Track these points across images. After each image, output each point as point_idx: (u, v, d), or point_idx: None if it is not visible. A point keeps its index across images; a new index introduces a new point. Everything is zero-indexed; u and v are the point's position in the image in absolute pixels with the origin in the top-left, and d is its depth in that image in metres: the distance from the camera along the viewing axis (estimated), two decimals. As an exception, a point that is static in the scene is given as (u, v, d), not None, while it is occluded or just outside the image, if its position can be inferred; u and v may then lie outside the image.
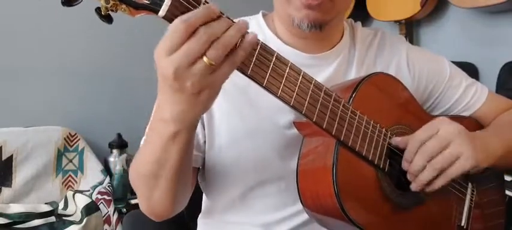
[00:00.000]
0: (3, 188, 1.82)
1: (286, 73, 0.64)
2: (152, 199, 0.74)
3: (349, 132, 0.72)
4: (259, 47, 0.61)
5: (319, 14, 0.78)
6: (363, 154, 0.74)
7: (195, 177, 0.86)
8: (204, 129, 0.83)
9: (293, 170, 0.76)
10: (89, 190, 1.88)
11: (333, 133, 0.70)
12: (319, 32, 0.80)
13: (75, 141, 2.00)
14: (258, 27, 0.89)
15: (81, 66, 2.11)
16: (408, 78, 0.92)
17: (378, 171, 0.76)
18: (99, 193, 1.82)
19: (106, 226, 1.75)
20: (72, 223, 1.69)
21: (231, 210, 0.88)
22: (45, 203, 1.85)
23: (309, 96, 0.67)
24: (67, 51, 2.08)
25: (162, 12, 0.55)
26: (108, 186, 1.90)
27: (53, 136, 1.94)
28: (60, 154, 1.95)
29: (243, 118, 0.82)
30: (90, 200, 1.77)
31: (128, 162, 2.03)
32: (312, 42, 0.86)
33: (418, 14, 2.00)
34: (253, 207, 0.86)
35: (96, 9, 0.54)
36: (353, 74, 0.88)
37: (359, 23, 0.96)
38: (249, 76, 0.61)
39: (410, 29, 2.12)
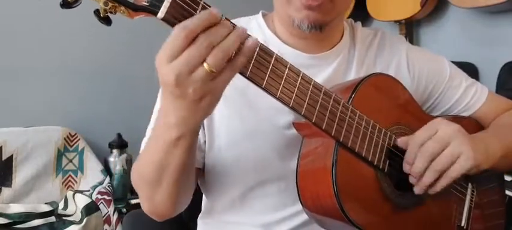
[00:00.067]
0: (3, 188, 1.82)
1: (285, 75, 0.64)
2: (155, 200, 0.75)
3: (349, 133, 0.72)
4: (258, 48, 0.61)
5: (319, 15, 0.78)
6: (363, 154, 0.74)
7: (197, 177, 0.86)
8: (204, 130, 0.83)
9: (293, 170, 0.76)
10: (89, 190, 1.88)
11: (332, 134, 0.70)
12: (319, 32, 0.80)
13: (75, 141, 2.00)
14: (258, 27, 0.89)
15: (81, 66, 2.11)
16: (408, 78, 0.92)
17: (377, 172, 0.76)
18: (99, 193, 1.82)
19: (106, 226, 1.75)
20: (72, 223, 1.69)
21: (230, 210, 0.88)
22: (45, 203, 1.85)
23: (308, 97, 0.67)
24: (67, 51, 2.08)
25: (161, 14, 0.55)
26: (108, 186, 1.90)
27: (53, 136, 1.94)
28: (60, 154, 1.95)
29: (243, 120, 0.82)
30: (90, 200, 1.77)
31: (128, 161, 2.03)
32: (312, 43, 0.86)
33: (418, 14, 2.00)
34: (253, 207, 0.86)
35: (94, 11, 0.54)
36: (353, 74, 0.88)
37: (359, 23, 0.96)
38: (248, 78, 0.61)
39: (410, 29, 2.12)
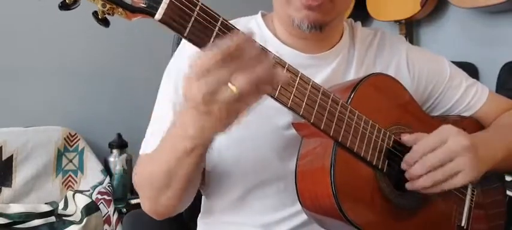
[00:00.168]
0: (3, 188, 1.82)
1: None
2: (159, 202, 0.77)
3: (348, 133, 0.72)
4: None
5: (319, 15, 0.78)
6: (361, 155, 0.74)
7: (202, 178, 0.87)
8: None
9: (292, 171, 0.76)
10: (89, 190, 1.87)
11: (331, 134, 0.70)
12: (319, 32, 0.80)
13: (75, 141, 2.00)
14: (257, 27, 0.89)
15: (81, 66, 2.11)
16: (408, 78, 0.92)
17: (376, 172, 0.76)
18: (99, 193, 1.82)
19: (106, 226, 1.75)
20: (72, 223, 1.69)
21: (230, 211, 0.88)
22: (45, 203, 1.84)
23: (306, 97, 0.67)
24: (67, 51, 2.08)
25: (159, 15, 0.55)
26: (108, 186, 1.90)
27: (53, 136, 1.94)
28: (60, 154, 1.95)
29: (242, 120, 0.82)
30: (90, 200, 1.77)
31: (128, 161, 2.03)
32: (311, 43, 0.86)
33: (418, 14, 2.00)
34: (252, 208, 0.86)
35: (93, 13, 0.55)
36: (352, 74, 0.88)
37: (359, 23, 0.96)
38: None
39: (410, 29, 2.12)
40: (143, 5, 0.55)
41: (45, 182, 1.90)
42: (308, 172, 0.75)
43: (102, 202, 1.77)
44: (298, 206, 0.78)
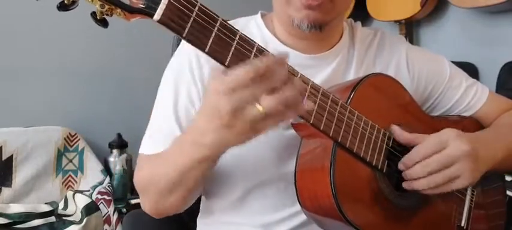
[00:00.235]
0: (3, 188, 1.82)
1: None
2: (162, 204, 0.77)
3: (347, 134, 0.71)
4: (255, 49, 0.61)
5: (319, 14, 0.78)
6: (361, 155, 0.74)
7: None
8: None
9: (292, 171, 0.76)
10: (89, 190, 1.87)
11: (331, 134, 0.70)
12: (319, 32, 0.80)
13: (75, 141, 2.00)
14: (256, 27, 0.89)
15: (81, 66, 2.11)
16: (407, 78, 0.91)
17: (376, 172, 0.76)
18: (99, 193, 1.82)
19: (106, 226, 1.75)
20: (72, 223, 1.69)
21: (230, 211, 0.88)
22: (45, 203, 1.84)
23: (306, 98, 0.67)
24: (67, 51, 2.08)
25: (157, 16, 0.55)
26: (108, 186, 1.90)
27: (53, 136, 1.94)
28: (60, 154, 1.95)
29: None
30: (90, 200, 1.77)
31: (128, 162, 2.03)
32: (311, 43, 0.86)
33: (418, 14, 2.00)
34: (252, 208, 0.86)
35: (91, 14, 0.55)
36: (352, 74, 0.88)
37: (359, 23, 0.96)
38: None
39: (410, 29, 2.12)
40: (142, 6, 0.55)
41: (45, 182, 1.90)
42: (307, 173, 0.75)
43: (102, 202, 1.77)
44: (298, 207, 0.78)
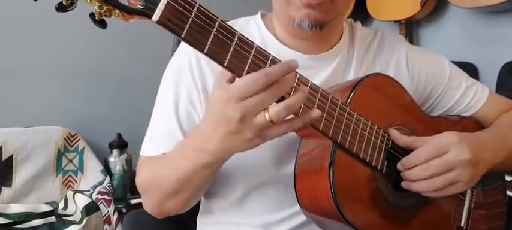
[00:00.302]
0: (3, 188, 1.81)
1: None
2: (165, 206, 0.78)
3: (346, 134, 0.71)
4: (253, 50, 0.61)
5: (319, 13, 0.78)
6: (360, 156, 0.73)
7: None
8: None
9: (291, 171, 0.76)
10: (89, 190, 1.87)
11: (330, 135, 0.70)
12: (319, 31, 0.80)
13: (75, 141, 2.00)
14: (256, 28, 0.89)
15: (81, 66, 2.11)
16: (407, 78, 0.91)
17: (375, 173, 0.76)
18: (99, 193, 1.82)
19: (106, 226, 1.75)
20: (72, 223, 1.69)
21: (230, 211, 0.88)
22: (45, 203, 1.84)
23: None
24: (67, 51, 2.07)
25: (156, 16, 0.55)
26: (108, 186, 1.90)
27: (53, 136, 1.94)
28: (60, 154, 1.95)
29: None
30: (90, 200, 1.77)
31: (128, 162, 2.03)
32: (311, 43, 0.86)
33: (418, 14, 2.00)
34: (252, 208, 0.86)
35: (90, 15, 0.55)
36: (352, 74, 0.88)
37: (358, 23, 0.96)
38: None
39: (410, 29, 2.12)
40: (140, 7, 0.55)
41: (45, 182, 1.90)
42: (307, 173, 0.75)
43: (102, 202, 1.77)
44: (298, 207, 0.78)
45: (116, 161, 2.02)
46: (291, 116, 0.64)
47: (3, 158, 1.83)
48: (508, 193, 0.99)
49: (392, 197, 0.77)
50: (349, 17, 0.98)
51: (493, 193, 0.94)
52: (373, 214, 0.75)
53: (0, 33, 1.95)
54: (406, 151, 0.77)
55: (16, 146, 1.85)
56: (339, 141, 0.71)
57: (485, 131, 0.89)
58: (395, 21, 2.09)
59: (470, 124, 0.93)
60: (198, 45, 0.58)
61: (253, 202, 0.86)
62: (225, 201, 0.88)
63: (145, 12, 0.55)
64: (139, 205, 0.84)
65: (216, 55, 0.59)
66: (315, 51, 0.86)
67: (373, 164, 0.75)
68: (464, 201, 0.88)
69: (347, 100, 0.74)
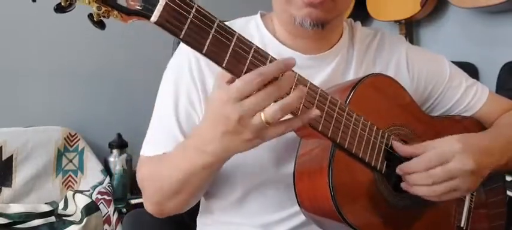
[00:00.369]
0: (3, 188, 1.81)
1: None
2: (166, 205, 0.78)
3: (345, 134, 0.71)
4: (252, 50, 0.61)
5: (321, 12, 0.78)
6: (360, 156, 0.73)
7: None
8: None
9: (291, 172, 0.76)
10: (89, 190, 1.87)
11: (329, 135, 0.69)
12: (320, 30, 0.80)
13: (75, 141, 2.00)
14: (256, 28, 0.89)
15: (81, 66, 2.11)
16: (407, 78, 0.91)
17: (375, 173, 0.76)
18: (99, 193, 1.82)
19: (106, 226, 1.75)
20: (72, 223, 1.69)
21: (229, 211, 0.88)
22: (45, 203, 1.84)
23: (304, 99, 0.67)
24: (67, 51, 2.07)
25: (154, 17, 0.55)
26: (108, 186, 1.90)
27: (53, 136, 1.94)
28: (60, 154, 1.95)
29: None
30: (90, 200, 1.77)
31: (128, 162, 2.03)
32: (311, 43, 0.86)
33: (418, 14, 2.00)
34: (251, 208, 0.86)
35: (88, 16, 0.55)
36: (351, 74, 0.88)
37: (358, 23, 0.96)
38: None
39: (410, 29, 2.12)
40: (139, 8, 0.55)
41: (45, 182, 1.90)
42: (306, 173, 0.75)
43: (102, 202, 1.77)
44: (297, 207, 0.78)
45: (116, 161, 2.02)
46: (290, 116, 0.64)
47: (3, 158, 1.83)
48: (508, 193, 0.99)
49: (392, 198, 0.77)
50: (349, 17, 0.98)
51: (494, 193, 0.94)
52: (372, 214, 0.75)
53: (0, 34, 1.95)
54: None
55: (16, 146, 1.85)
56: (338, 141, 0.70)
57: (487, 132, 0.89)
58: (395, 21, 2.09)
59: (471, 125, 0.93)
60: (197, 46, 0.58)
61: (253, 202, 0.86)
62: (225, 201, 0.88)
63: (144, 13, 0.55)
64: (139, 205, 0.85)
65: (214, 56, 0.59)
66: (314, 51, 0.86)
67: (372, 164, 0.75)
68: (464, 201, 0.88)
69: (347, 100, 0.74)
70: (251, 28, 0.89)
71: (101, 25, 0.56)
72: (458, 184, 0.73)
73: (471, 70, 1.89)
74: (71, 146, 1.99)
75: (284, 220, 0.85)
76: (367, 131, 0.74)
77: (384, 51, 0.93)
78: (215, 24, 0.58)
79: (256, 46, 0.62)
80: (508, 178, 1.05)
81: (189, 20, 0.57)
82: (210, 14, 0.58)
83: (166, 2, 0.55)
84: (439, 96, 0.94)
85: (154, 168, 0.80)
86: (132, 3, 0.55)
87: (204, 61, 0.82)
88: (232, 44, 0.59)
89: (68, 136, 1.98)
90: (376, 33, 0.95)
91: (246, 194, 0.86)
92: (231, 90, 0.58)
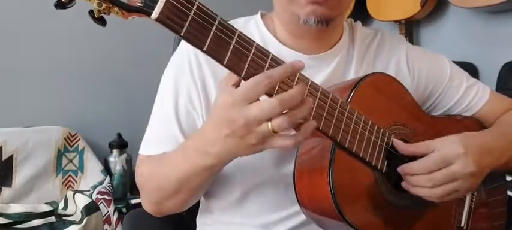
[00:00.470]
0: (3, 188, 1.81)
1: None
2: (164, 205, 0.78)
3: (346, 133, 0.71)
4: (253, 48, 0.61)
5: (325, 9, 0.78)
6: (360, 155, 0.73)
7: None
8: None
9: (291, 171, 0.76)
10: (89, 190, 1.87)
11: (329, 134, 0.69)
12: (324, 27, 0.80)
13: (75, 141, 2.00)
14: (256, 28, 0.89)
15: (81, 66, 2.10)
16: (408, 78, 0.91)
17: (375, 172, 0.76)
18: (99, 193, 1.82)
19: (106, 226, 1.75)
20: (72, 223, 1.69)
21: (229, 211, 0.88)
22: (45, 203, 1.84)
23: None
24: (67, 51, 2.07)
25: (155, 14, 0.55)
26: (108, 186, 1.90)
27: (53, 136, 1.94)
28: (60, 154, 1.95)
29: None
30: (90, 200, 1.77)
31: (128, 161, 2.03)
32: (312, 42, 0.86)
33: (418, 14, 2.00)
34: (251, 208, 0.86)
35: (89, 12, 0.55)
36: (352, 74, 0.88)
37: (359, 23, 0.96)
38: (243, 78, 0.61)
39: (410, 29, 2.12)
40: (139, 4, 0.55)
41: (45, 183, 1.90)
42: (306, 172, 0.75)
43: (102, 202, 1.77)
44: (297, 207, 0.78)
45: (116, 161, 2.02)
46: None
47: (3, 158, 1.83)
48: (509, 193, 0.99)
49: (392, 197, 0.77)
50: (349, 17, 0.98)
51: (494, 192, 0.94)
52: (373, 213, 0.75)
53: (0, 34, 1.95)
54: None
55: (16, 146, 1.85)
56: (338, 140, 0.70)
57: (488, 131, 0.89)
58: (396, 21, 2.09)
59: (471, 124, 0.93)
60: (198, 44, 0.58)
61: (253, 202, 0.86)
62: (225, 201, 0.88)
63: (145, 10, 0.55)
64: (139, 205, 0.84)
65: (215, 53, 0.59)
66: (315, 51, 0.86)
67: (373, 163, 0.75)
68: (464, 201, 0.88)
69: (347, 99, 0.74)
70: (251, 28, 0.89)
71: (101, 21, 0.56)
72: (459, 186, 0.73)
73: (471, 70, 1.89)
74: (71, 146, 1.99)
75: (284, 220, 0.85)
76: (367, 130, 0.74)
77: (384, 51, 0.93)
78: (216, 22, 0.58)
79: (257, 44, 0.61)
80: (508, 178, 1.05)
81: (190, 17, 0.56)
82: (211, 11, 0.58)
83: None
84: (439, 95, 0.94)
85: (154, 167, 0.80)
86: (133, -1, 0.55)
87: (205, 60, 0.82)
88: (234, 41, 0.59)
89: (68, 136, 1.98)
90: (376, 33, 0.95)
91: (246, 194, 0.85)
92: (237, 93, 0.58)
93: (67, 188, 1.93)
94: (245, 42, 0.61)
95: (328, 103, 0.69)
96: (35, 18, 1.97)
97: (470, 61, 1.92)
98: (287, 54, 0.83)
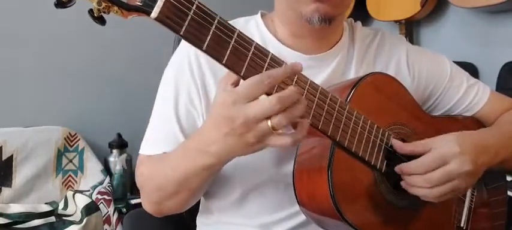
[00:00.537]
0: (3, 188, 1.81)
1: None
2: (164, 205, 0.78)
3: (345, 133, 0.71)
4: (253, 47, 0.61)
5: (329, 7, 0.78)
6: (360, 155, 0.73)
7: None
8: None
9: (291, 171, 0.76)
10: (89, 190, 1.87)
11: (329, 133, 0.69)
12: (327, 26, 0.80)
13: (75, 141, 2.00)
14: (256, 28, 0.89)
15: (81, 66, 2.11)
16: (408, 78, 0.91)
17: (374, 172, 0.76)
18: (99, 193, 1.82)
19: (106, 226, 1.75)
20: (72, 223, 1.69)
21: (229, 211, 0.88)
22: (45, 203, 1.84)
23: (304, 97, 0.67)
24: (67, 51, 2.08)
25: (154, 13, 0.55)
26: (108, 186, 1.90)
27: (53, 136, 1.94)
28: (60, 154, 1.95)
29: None
30: (90, 200, 1.77)
31: (128, 161, 2.03)
32: (312, 43, 0.86)
33: (418, 14, 2.00)
34: (251, 208, 0.86)
35: (89, 11, 0.55)
36: (352, 74, 0.88)
37: (359, 23, 0.96)
38: (243, 77, 0.61)
39: (410, 29, 2.12)
40: (139, 3, 0.55)
41: (45, 182, 1.90)
42: (305, 172, 0.75)
43: (102, 202, 1.77)
44: (297, 207, 0.78)
45: (116, 161, 2.02)
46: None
47: (3, 158, 1.83)
48: (509, 193, 0.99)
49: (392, 197, 0.77)
50: (349, 17, 0.98)
51: (494, 192, 0.94)
52: (372, 213, 0.75)
53: (0, 34, 1.95)
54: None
55: (16, 146, 1.85)
56: (338, 139, 0.70)
57: (486, 129, 0.89)
58: (395, 21, 2.09)
59: (471, 124, 0.93)
60: (197, 43, 0.58)
61: (253, 202, 0.86)
62: (224, 201, 0.88)
63: (144, 9, 0.55)
64: (139, 205, 0.84)
65: (214, 52, 0.59)
66: (315, 51, 0.86)
67: (372, 163, 0.75)
68: (464, 201, 0.88)
69: (347, 98, 0.74)
70: (251, 28, 0.89)
71: (101, 21, 0.56)
72: (456, 185, 0.73)
73: (471, 70, 1.89)
74: (71, 146, 1.99)
75: (283, 220, 0.85)
76: (367, 129, 0.74)
77: (384, 51, 0.92)
78: (216, 21, 0.58)
79: (257, 43, 0.61)
80: (509, 178, 1.05)
81: (189, 16, 0.57)
82: (210, 10, 0.58)
83: None
84: (439, 95, 0.94)
85: (154, 167, 0.80)
86: (132, -2, 0.55)
87: (205, 60, 0.82)
88: (233, 41, 0.59)
89: (68, 136, 1.98)
90: (377, 33, 0.95)
91: (246, 194, 0.85)
92: (236, 92, 0.58)
93: (67, 188, 1.93)
94: (244, 41, 0.61)
95: (328, 102, 0.69)
96: (35, 18, 1.97)
97: (470, 61, 1.92)
98: (287, 54, 0.83)
